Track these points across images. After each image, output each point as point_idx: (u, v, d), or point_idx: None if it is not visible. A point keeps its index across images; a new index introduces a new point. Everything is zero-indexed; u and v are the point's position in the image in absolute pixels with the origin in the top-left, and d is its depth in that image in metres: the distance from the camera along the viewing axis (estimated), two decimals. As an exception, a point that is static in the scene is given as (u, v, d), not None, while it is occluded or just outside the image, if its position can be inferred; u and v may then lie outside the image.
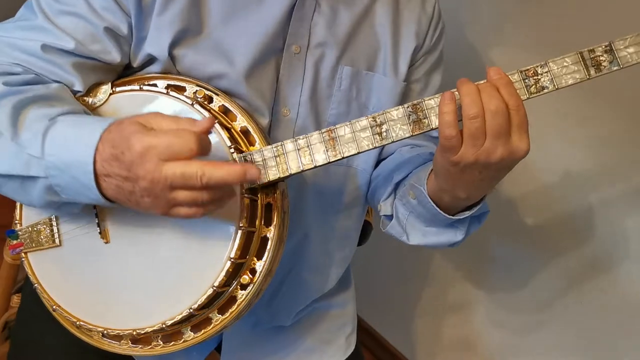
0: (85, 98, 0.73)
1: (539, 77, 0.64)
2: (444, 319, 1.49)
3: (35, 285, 0.73)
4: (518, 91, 0.65)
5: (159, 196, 0.59)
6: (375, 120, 0.67)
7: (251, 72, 0.75)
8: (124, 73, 0.77)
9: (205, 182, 0.58)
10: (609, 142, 1.06)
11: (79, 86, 0.71)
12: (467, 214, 0.75)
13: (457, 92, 0.65)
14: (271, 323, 0.93)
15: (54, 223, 0.73)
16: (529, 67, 0.65)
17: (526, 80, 0.65)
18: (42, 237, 0.73)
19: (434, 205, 0.75)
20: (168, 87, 0.73)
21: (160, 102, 0.72)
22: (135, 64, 0.75)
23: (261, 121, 0.77)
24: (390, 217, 0.86)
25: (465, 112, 0.63)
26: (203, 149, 0.58)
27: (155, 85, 0.73)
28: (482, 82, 0.65)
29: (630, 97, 1.00)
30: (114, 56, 0.72)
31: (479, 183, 0.68)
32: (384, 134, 0.67)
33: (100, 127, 0.60)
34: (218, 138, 0.69)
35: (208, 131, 0.60)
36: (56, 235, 0.73)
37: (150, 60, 0.74)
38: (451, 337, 1.49)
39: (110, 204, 0.63)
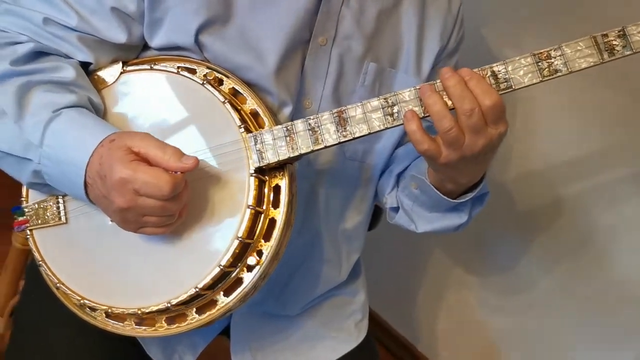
0: (99, 74, 0.73)
1: (552, 60, 0.64)
2: (444, 302, 1.51)
3: (40, 262, 0.73)
4: (531, 75, 0.65)
5: (130, 220, 0.64)
6: (387, 101, 0.67)
7: (279, 65, 0.74)
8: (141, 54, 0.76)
9: (178, 210, 0.64)
10: (602, 128, 1.08)
11: (88, 59, 0.71)
12: (469, 196, 0.77)
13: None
14: (279, 313, 0.92)
15: (61, 200, 0.72)
16: (542, 51, 0.65)
17: (539, 64, 0.64)
18: (48, 214, 0.72)
19: (437, 192, 0.76)
20: (179, 68, 0.73)
21: (171, 81, 0.72)
22: (153, 45, 0.74)
23: (284, 110, 0.76)
24: (396, 209, 0.87)
25: (437, 127, 0.65)
26: (175, 193, 0.61)
27: (165, 66, 0.73)
28: (452, 78, 0.65)
29: (628, 85, 1.01)
30: (119, 36, 0.71)
31: (475, 167, 0.71)
32: (396, 114, 0.67)
33: (99, 136, 0.64)
34: (228, 117, 0.69)
35: (190, 170, 0.62)
36: (62, 213, 0.72)
37: (177, 48, 0.74)
38: (452, 319, 1.51)
39: (89, 202, 0.67)
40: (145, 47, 0.76)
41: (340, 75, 0.79)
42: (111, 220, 0.69)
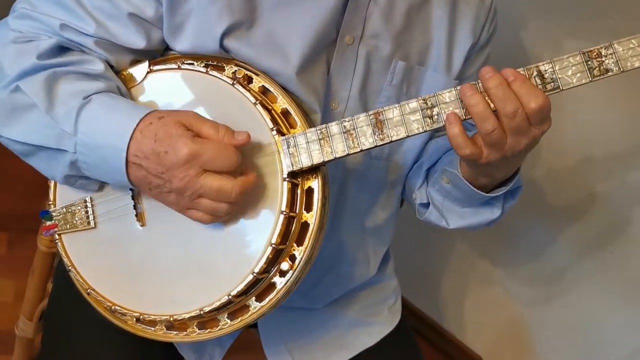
0: (124, 73, 0.71)
1: (602, 59, 0.61)
2: (469, 282, 1.51)
3: (69, 267, 0.72)
4: (580, 74, 0.61)
5: (184, 198, 0.62)
6: (425, 103, 0.64)
7: (305, 67, 0.71)
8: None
9: (234, 199, 0.61)
10: (633, 120, 1.05)
11: (109, 61, 0.70)
12: (503, 190, 0.75)
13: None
14: (307, 307, 0.91)
15: (89, 204, 0.71)
16: (592, 49, 0.61)
17: (589, 63, 0.61)
18: (76, 218, 0.71)
19: (470, 186, 0.74)
20: (207, 66, 0.70)
21: (200, 81, 0.69)
22: (177, 49, 0.71)
23: (313, 117, 0.73)
24: (426, 205, 0.85)
25: (479, 128, 0.62)
26: (238, 165, 0.61)
27: (192, 64, 0.71)
28: (494, 80, 0.62)
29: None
30: (138, 42, 0.69)
31: (513, 164, 0.70)
32: (435, 117, 0.64)
33: (137, 116, 0.62)
34: (260, 119, 0.67)
35: (245, 144, 0.62)
36: (91, 217, 0.71)
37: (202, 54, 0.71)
38: (477, 298, 1.51)
39: (130, 186, 0.65)
40: (168, 48, 0.73)
41: (367, 74, 0.76)
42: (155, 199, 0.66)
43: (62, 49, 0.68)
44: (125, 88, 0.70)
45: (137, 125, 0.61)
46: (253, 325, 0.90)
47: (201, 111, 0.69)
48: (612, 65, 0.61)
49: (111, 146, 0.62)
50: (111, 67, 0.70)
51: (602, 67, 0.61)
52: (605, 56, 0.61)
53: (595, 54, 0.61)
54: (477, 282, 1.49)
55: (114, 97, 0.66)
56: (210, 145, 0.60)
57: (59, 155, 0.65)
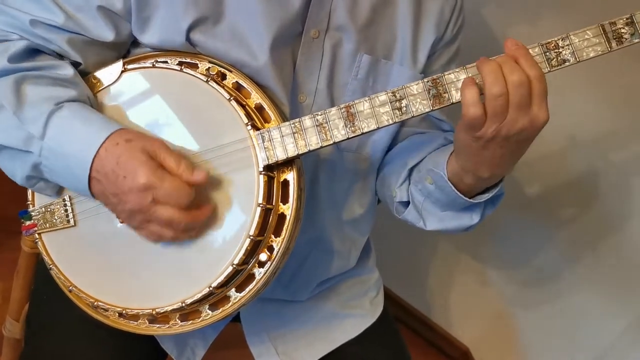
0: (97, 73, 0.72)
1: (560, 50, 0.64)
2: (454, 273, 1.53)
3: (51, 266, 0.72)
4: (539, 65, 0.64)
5: (134, 220, 0.65)
6: (394, 95, 0.66)
7: (272, 60, 0.72)
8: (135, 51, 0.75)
9: (181, 230, 0.65)
10: (611, 105, 1.07)
11: (78, 59, 0.71)
12: (486, 196, 0.75)
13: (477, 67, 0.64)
14: (288, 299, 0.93)
15: (68, 203, 0.72)
16: (550, 40, 0.64)
17: (547, 54, 0.64)
18: (56, 217, 0.72)
19: (454, 189, 0.74)
20: (181, 64, 0.71)
21: (174, 78, 0.71)
22: (145, 42, 0.72)
23: (281, 107, 0.74)
24: (406, 204, 0.85)
25: (489, 90, 0.63)
26: (191, 201, 0.64)
27: (166, 62, 0.72)
28: (501, 55, 0.65)
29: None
30: (106, 34, 0.70)
31: (501, 159, 0.68)
32: (404, 108, 0.66)
33: (105, 131, 0.64)
34: (235, 115, 0.68)
35: (200, 184, 0.65)
36: (70, 216, 0.72)
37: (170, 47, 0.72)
38: (463, 289, 1.53)
39: (89, 197, 0.67)
40: (138, 43, 0.74)
41: (333, 68, 0.77)
42: (120, 220, 0.69)
43: (32, 51, 0.69)
44: (94, 99, 0.71)
45: (104, 142, 0.63)
46: (236, 319, 0.92)
47: (175, 109, 0.70)
48: (569, 55, 0.64)
49: (77, 157, 0.64)
50: (80, 70, 0.71)
51: (559, 58, 0.64)
52: (562, 47, 0.64)
53: (552, 45, 0.64)
54: (463, 274, 1.51)
55: (86, 107, 0.67)
56: (168, 181, 0.62)
57: (24, 156, 0.66)
